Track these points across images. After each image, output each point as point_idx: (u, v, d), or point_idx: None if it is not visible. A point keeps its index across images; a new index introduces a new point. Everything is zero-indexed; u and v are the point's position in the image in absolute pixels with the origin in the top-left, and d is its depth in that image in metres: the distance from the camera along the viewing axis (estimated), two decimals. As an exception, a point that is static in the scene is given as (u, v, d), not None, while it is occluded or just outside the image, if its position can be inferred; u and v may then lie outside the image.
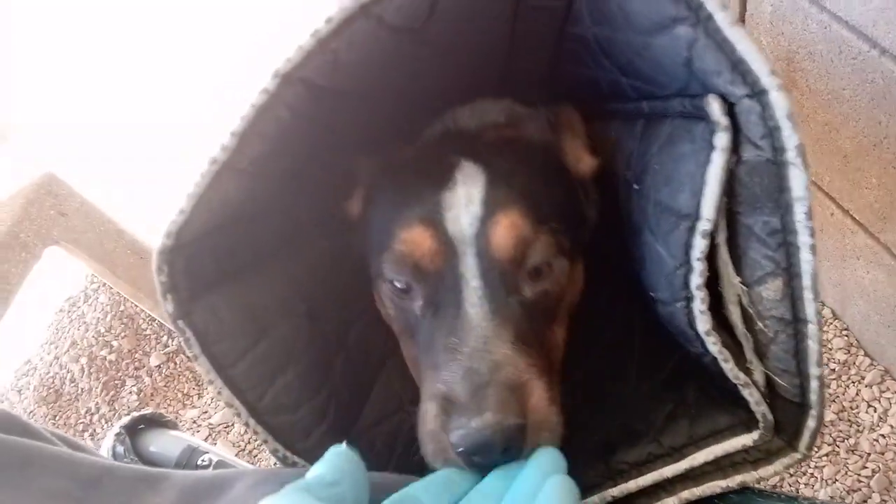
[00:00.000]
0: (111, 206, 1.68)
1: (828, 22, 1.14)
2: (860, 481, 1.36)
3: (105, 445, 0.94)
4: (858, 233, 1.32)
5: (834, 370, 1.48)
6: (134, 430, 0.96)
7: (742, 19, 1.36)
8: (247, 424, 0.67)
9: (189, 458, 0.91)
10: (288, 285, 0.74)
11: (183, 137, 2.11)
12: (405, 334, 0.78)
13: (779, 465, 0.66)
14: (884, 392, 1.43)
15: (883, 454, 1.37)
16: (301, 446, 0.70)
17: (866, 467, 1.37)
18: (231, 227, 0.65)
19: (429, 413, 0.66)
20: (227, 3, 2.68)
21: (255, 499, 0.53)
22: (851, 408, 1.45)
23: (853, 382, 1.47)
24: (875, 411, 1.42)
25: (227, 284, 0.67)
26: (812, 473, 1.41)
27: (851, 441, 1.41)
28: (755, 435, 0.66)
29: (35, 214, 1.46)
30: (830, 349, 1.51)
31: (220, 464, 0.91)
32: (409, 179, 0.77)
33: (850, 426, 1.43)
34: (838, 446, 1.41)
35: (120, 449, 0.92)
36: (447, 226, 0.70)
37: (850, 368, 1.48)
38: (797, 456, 0.65)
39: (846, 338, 1.51)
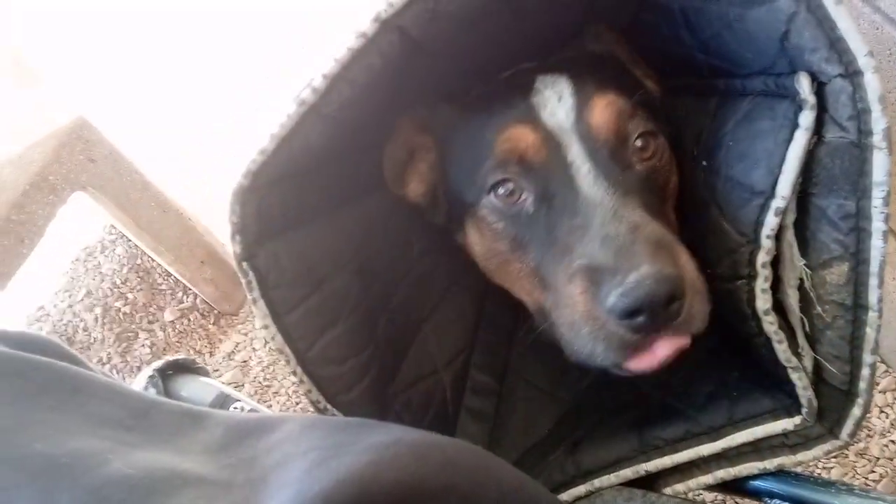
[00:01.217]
0: (140, 157, 1.68)
1: (880, 23, 1.13)
2: (868, 485, 1.37)
3: (136, 387, 0.94)
4: (889, 239, 1.32)
5: (847, 375, 1.49)
6: (165, 375, 0.96)
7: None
8: (294, 373, 0.68)
9: (222, 405, 0.91)
10: (343, 239, 0.74)
11: (219, 101, 2.10)
12: (516, 252, 0.75)
13: (818, 450, 0.67)
14: (896, 399, 1.44)
15: (892, 460, 1.38)
16: (342, 399, 0.71)
17: (874, 472, 1.38)
18: (302, 176, 0.66)
19: (575, 293, 0.63)
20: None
21: (302, 441, 0.54)
22: (863, 412, 1.46)
23: (866, 388, 1.48)
24: (887, 417, 1.43)
25: (290, 232, 0.67)
26: (819, 474, 1.42)
27: (861, 445, 1.42)
28: (797, 419, 0.67)
29: (65, 158, 1.45)
30: (845, 354, 1.51)
31: (253, 411, 0.91)
32: (490, 103, 0.76)
33: (861, 430, 1.43)
34: (848, 450, 1.42)
35: (152, 391, 0.92)
36: (545, 121, 0.70)
37: (864, 374, 1.49)
38: (838, 443, 0.66)
39: (863, 343, 1.51)
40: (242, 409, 0.92)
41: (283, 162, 0.61)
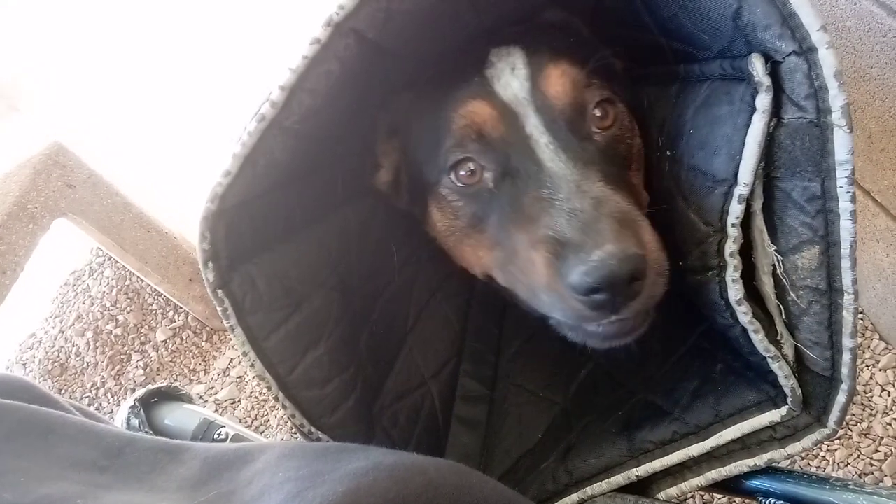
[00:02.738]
0: (119, 179, 1.67)
1: (857, -2, 1.11)
2: (872, 465, 1.35)
3: (119, 418, 0.93)
4: (879, 215, 1.30)
5: (847, 354, 1.47)
6: (148, 403, 0.94)
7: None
8: (276, 398, 0.67)
9: (205, 432, 0.90)
10: (320, 255, 0.73)
11: (196, 114, 2.09)
12: (474, 227, 0.75)
13: (807, 441, 0.65)
14: (898, 376, 1.42)
15: (896, 438, 1.36)
16: (326, 421, 0.70)
17: (879, 451, 1.36)
18: (270, 193, 0.64)
19: (537, 263, 0.63)
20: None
21: (279, 471, 0.52)
22: (865, 391, 1.43)
23: (867, 366, 1.45)
24: (889, 395, 1.41)
25: (264, 254, 0.66)
26: (824, 456, 1.40)
27: (864, 425, 1.40)
28: (783, 410, 0.65)
29: (43, 185, 1.44)
30: (844, 333, 1.49)
31: (237, 437, 0.89)
32: (444, 81, 0.74)
33: (864, 410, 1.41)
34: (851, 430, 1.40)
35: (135, 422, 0.91)
36: (500, 94, 0.69)
37: (864, 352, 1.46)
38: (826, 431, 0.64)
39: (861, 322, 1.49)
40: (227, 434, 0.90)
41: (250, 181, 0.60)
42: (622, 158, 0.69)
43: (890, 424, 1.38)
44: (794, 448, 0.66)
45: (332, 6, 0.52)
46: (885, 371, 1.43)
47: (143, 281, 1.95)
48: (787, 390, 0.64)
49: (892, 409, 1.39)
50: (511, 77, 0.69)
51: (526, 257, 0.64)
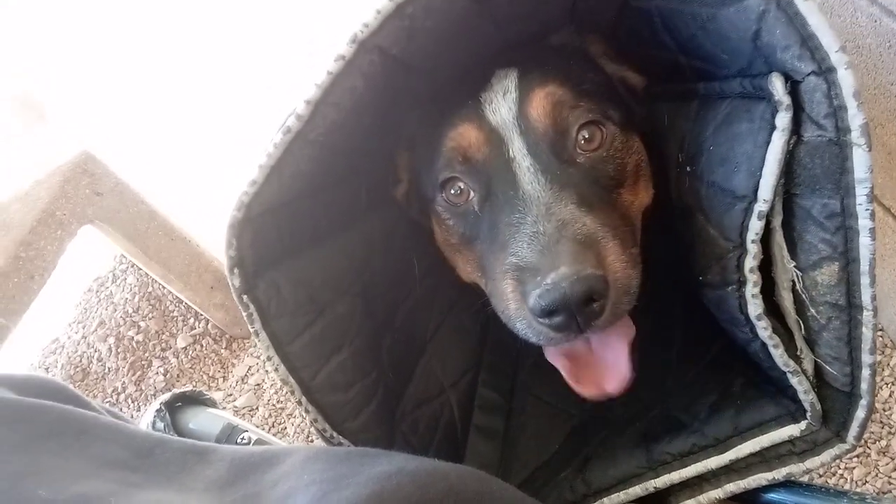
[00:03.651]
0: (144, 187, 1.70)
1: (878, 15, 1.11)
2: (891, 483, 1.34)
3: (145, 421, 0.95)
4: (899, 231, 1.30)
5: (866, 371, 1.46)
6: (173, 407, 0.96)
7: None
8: (299, 402, 0.68)
9: (229, 436, 0.92)
10: (344, 262, 0.74)
11: (220, 124, 2.12)
12: (465, 246, 0.78)
13: (826, 455, 0.65)
14: (917, 395, 1.41)
15: (916, 457, 1.35)
16: (349, 426, 0.71)
17: (898, 470, 1.35)
18: (296, 202, 0.66)
19: (506, 291, 0.65)
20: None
21: (305, 474, 0.53)
22: (884, 409, 1.42)
23: (886, 384, 1.44)
24: (908, 413, 1.39)
25: (289, 261, 0.67)
26: (842, 475, 1.39)
27: (883, 443, 1.38)
28: (802, 425, 0.65)
29: (71, 193, 1.48)
30: (863, 350, 1.48)
31: (260, 442, 0.91)
32: (448, 100, 0.76)
33: (882, 427, 1.40)
34: (869, 448, 1.39)
35: (160, 425, 0.93)
36: (489, 117, 0.71)
37: (883, 369, 1.45)
38: (845, 447, 0.64)
39: (881, 338, 1.48)
40: (250, 439, 0.92)
41: (276, 191, 0.61)
42: (610, 179, 0.71)
43: (910, 443, 1.36)
44: (812, 462, 0.66)
45: (357, 24, 0.54)
46: (905, 389, 1.42)
47: (164, 288, 1.98)
48: (806, 405, 0.64)
49: (912, 428, 1.38)
50: (501, 101, 0.71)
51: (498, 285, 0.67)
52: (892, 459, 1.37)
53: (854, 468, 1.39)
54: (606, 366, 0.70)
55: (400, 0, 0.54)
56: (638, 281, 0.65)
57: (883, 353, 1.47)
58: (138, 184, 1.67)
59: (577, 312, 0.59)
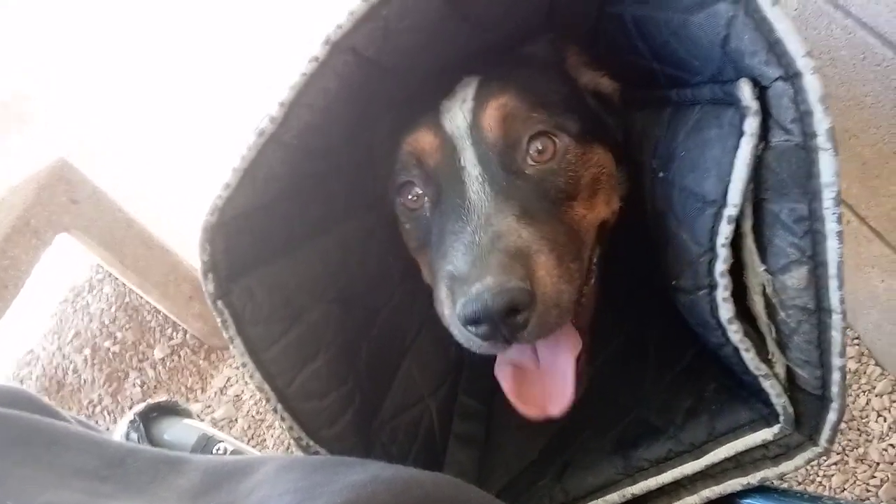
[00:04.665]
0: (122, 195, 1.69)
1: (852, 27, 1.13)
2: (868, 491, 1.35)
3: (118, 432, 0.93)
4: (875, 241, 1.31)
5: (844, 379, 1.47)
6: (148, 418, 0.95)
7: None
8: (275, 410, 0.67)
9: (204, 447, 0.90)
10: (320, 267, 0.74)
11: (198, 131, 2.11)
12: (422, 250, 0.79)
13: (799, 459, 0.65)
14: (894, 402, 1.42)
15: (892, 464, 1.36)
16: (325, 434, 0.70)
17: (875, 477, 1.36)
18: (271, 207, 0.65)
19: (441, 297, 0.67)
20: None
21: (279, 483, 0.53)
22: (861, 417, 1.44)
23: (863, 392, 1.45)
24: (885, 421, 1.41)
25: (264, 266, 0.67)
26: (820, 482, 1.40)
27: (861, 450, 1.39)
28: (775, 429, 0.65)
29: (47, 200, 1.46)
30: (840, 358, 1.49)
31: (236, 453, 0.90)
32: (415, 106, 0.77)
33: (860, 435, 1.41)
34: (847, 455, 1.40)
35: (134, 436, 0.91)
36: (445, 125, 0.73)
37: (860, 378, 1.47)
38: (818, 450, 0.64)
39: (857, 347, 1.49)
40: (226, 449, 0.91)
41: (249, 195, 0.61)
42: (560, 192, 0.71)
43: (886, 450, 1.38)
44: (786, 467, 0.66)
45: (331, 25, 0.54)
46: (881, 396, 1.43)
47: (141, 298, 1.95)
48: (778, 408, 0.64)
49: (888, 435, 1.39)
50: (459, 109, 0.73)
51: (437, 291, 0.69)
52: (870, 467, 1.38)
53: (832, 476, 1.40)
54: (552, 384, 0.71)
55: (374, 1, 0.54)
56: (571, 296, 0.65)
57: (860, 361, 1.49)
58: (116, 192, 1.65)
59: (500, 323, 0.60)
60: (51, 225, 1.47)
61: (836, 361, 0.58)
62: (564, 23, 0.74)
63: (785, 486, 0.72)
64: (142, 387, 1.88)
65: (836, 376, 0.59)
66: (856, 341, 1.50)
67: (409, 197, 0.76)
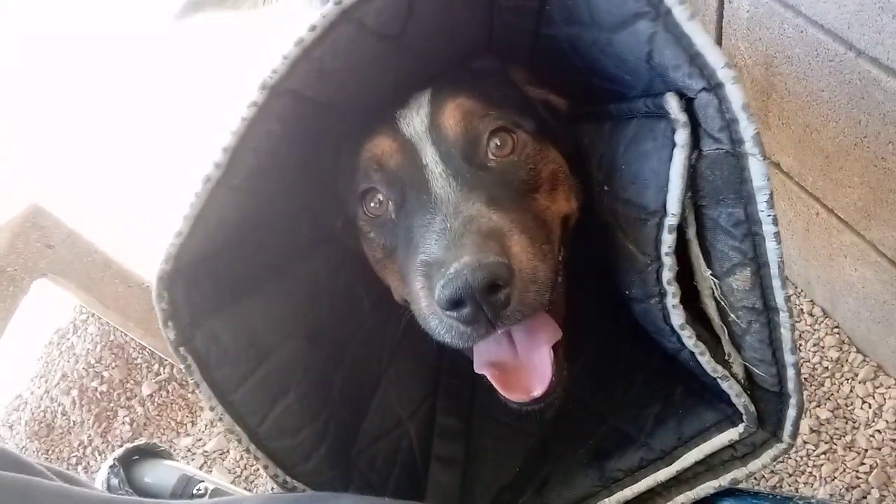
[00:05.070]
0: (99, 236, 1.68)
1: (804, 26, 1.16)
2: (858, 478, 1.36)
3: (100, 478, 0.93)
4: (844, 231, 1.33)
5: (827, 368, 1.48)
6: (128, 462, 0.95)
7: (719, 25, 1.38)
8: (247, 450, 0.67)
9: (185, 488, 0.90)
10: (288, 304, 0.74)
11: (173, 165, 2.12)
12: (388, 258, 0.78)
13: (766, 457, 0.66)
14: (878, 388, 1.43)
15: (880, 450, 1.37)
16: (301, 469, 0.70)
17: (864, 463, 1.36)
18: (229, 249, 0.65)
19: (416, 289, 0.66)
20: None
21: None
22: (846, 405, 1.44)
23: (847, 379, 1.47)
24: (870, 407, 1.42)
25: (228, 308, 0.67)
26: (811, 472, 1.40)
27: (848, 438, 1.40)
28: (740, 428, 0.66)
29: (21, 247, 1.46)
30: (822, 347, 1.51)
31: (217, 492, 0.90)
32: (367, 122, 0.78)
33: (847, 423, 1.42)
34: (835, 444, 1.41)
35: (115, 481, 0.91)
36: (402, 130, 0.74)
37: (843, 366, 1.48)
38: (782, 446, 0.65)
39: (838, 335, 1.51)
40: (206, 489, 0.91)
41: (203, 240, 0.61)
42: (523, 183, 0.72)
43: (873, 436, 1.38)
44: (755, 465, 0.67)
45: (266, 69, 0.55)
46: (865, 383, 1.44)
47: (126, 335, 1.95)
48: (740, 408, 0.65)
49: (874, 421, 1.40)
50: (415, 114, 0.74)
51: (411, 286, 0.67)
52: (858, 454, 1.39)
53: (822, 465, 1.40)
54: (533, 368, 0.70)
55: (306, 44, 0.54)
56: (548, 273, 0.64)
57: (841, 349, 1.50)
58: (91, 233, 1.65)
59: (483, 301, 0.58)
60: (27, 271, 1.46)
61: (788, 358, 0.59)
62: (503, 46, 0.75)
63: (759, 486, 0.73)
64: (131, 424, 1.86)
65: (790, 372, 0.60)
66: (836, 330, 1.52)
67: (372, 204, 0.76)
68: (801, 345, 1.53)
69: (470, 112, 0.72)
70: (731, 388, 0.63)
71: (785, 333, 0.58)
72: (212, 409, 0.66)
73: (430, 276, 0.62)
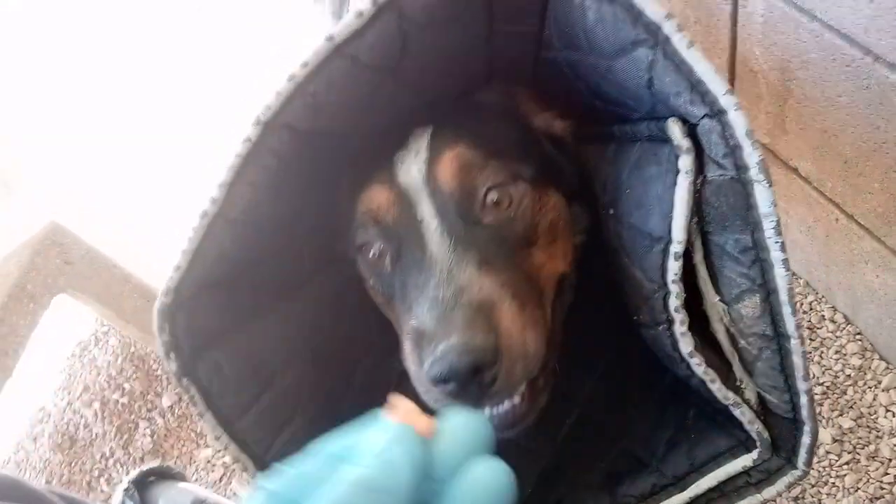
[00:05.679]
0: (118, 251, 1.71)
1: (820, 31, 1.13)
2: (882, 488, 1.32)
3: (114, 501, 0.94)
4: (865, 237, 1.30)
5: (850, 376, 1.45)
6: (143, 484, 0.96)
7: (734, 30, 1.35)
8: (254, 479, 0.67)
9: (197, 510, 0.92)
10: (292, 329, 0.73)
11: (189, 178, 2.14)
12: (387, 305, 0.77)
13: (780, 484, 0.65)
14: (902, 395, 1.40)
15: (905, 460, 1.33)
16: None
17: (888, 473, 1.33)
18: (231, 280, 0.65)
19: (408, 353, 0.66)
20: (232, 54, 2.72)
21: None
22: (870, 413, 1.41)
23: (870, 388, 1.43)
24: (894, 416, 1.38)
25: (231, 336, 0.66)
26: (833, 483, 1.37)
27: (872, 448, 1.37)
28: (754, 454, 0.65)
29: (41, 265, 1.48)
30: (845, 354, 1.47)
31: (228, 513, 0.91)
32: (369, 162, 0.76)
33: (870, 432, 1.39)
34: (859, 453, 1.38)
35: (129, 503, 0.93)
36: (399, 179, 0.71)
37: (865, 373, 1.44)
38: (797, 473, 0.64)
39: (860, 342, 1.47)
40: (219, 512, 0.92)
41: (202, 274, 0.61)
42: (520, 239, 0.70)
43: (898, 446, 1.35)
44: (769, 492, 0.66)
45: (259, 105, 0.55)
46: (888, 391, 1.41)
47: (147, 347, 1.97)
48: (753, 434, 0.64)
49: (898, 430, 1.37)
50: (413, 161, 0.71)
51: (404, 346, 0.67)
52: (882, 464, 1.35)
53: (845, 475, 1.37)
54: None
55: (299, 80, 0.54)
56: (538, 344, 0.64)
57: (863, 357, 1.46)
58: (110, 248, 1.68)
59: (468, 382, 0.59)
60: (47, 288, 1.49)
61: (801, 385, 0.58)
62: (504, 71, 0.74)
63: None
64: (152, 436, 1.89)
65: (803, 399, 0.59)
66: (858, 337, 1.48)
67: (370, 255, 0.75)
68: (822, 352, 1.50)
69: (468, 164, 0.70)
70: (744, 414, 0.62)
71: (797, 360, 0.56)
72: (217, 438, 0.65)
73: (420, 347, 0.62)
